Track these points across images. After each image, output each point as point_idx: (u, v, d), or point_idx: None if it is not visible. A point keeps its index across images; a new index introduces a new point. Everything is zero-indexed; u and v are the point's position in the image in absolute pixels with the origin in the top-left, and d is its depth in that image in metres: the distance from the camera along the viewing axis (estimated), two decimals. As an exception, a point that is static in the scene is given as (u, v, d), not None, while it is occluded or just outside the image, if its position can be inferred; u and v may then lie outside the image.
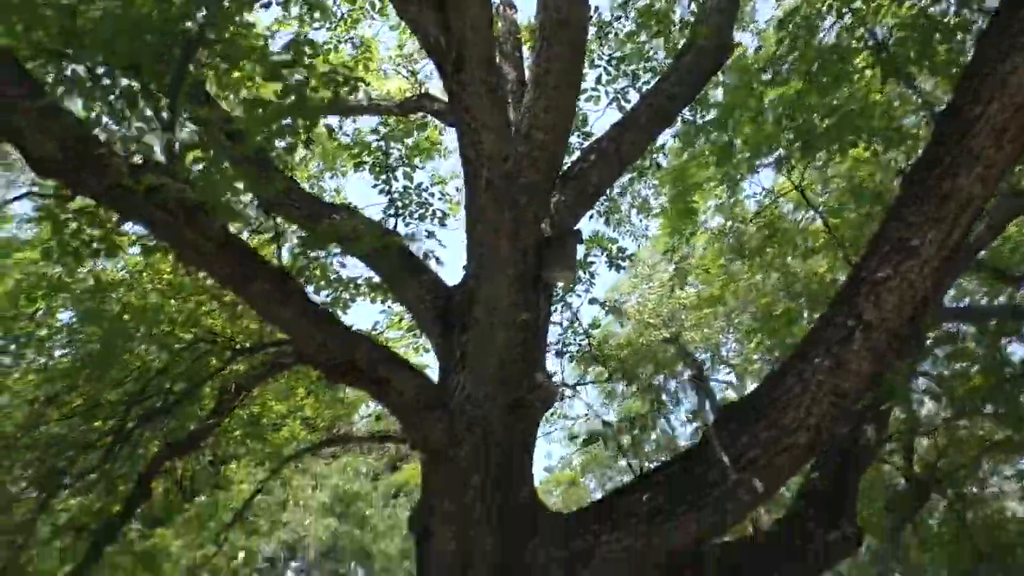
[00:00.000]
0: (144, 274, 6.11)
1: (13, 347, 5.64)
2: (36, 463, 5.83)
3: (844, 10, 6.67)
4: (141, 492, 7.88)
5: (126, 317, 5.73)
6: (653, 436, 17.52)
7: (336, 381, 5.28)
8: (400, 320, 8.32)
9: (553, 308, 7.05)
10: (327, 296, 6.33)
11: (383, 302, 7.70)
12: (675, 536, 5.09)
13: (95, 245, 4.05)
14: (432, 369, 5.80)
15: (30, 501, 6.10)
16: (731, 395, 16.82)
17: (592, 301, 8.29)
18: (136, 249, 6.45)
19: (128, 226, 5.04)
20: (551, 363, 7.42)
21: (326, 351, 4.69)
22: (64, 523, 7.53)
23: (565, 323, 8.07)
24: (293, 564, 25.91)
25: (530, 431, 5.75)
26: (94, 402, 5.90)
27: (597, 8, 9.23)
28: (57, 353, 6.10)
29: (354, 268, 6.39)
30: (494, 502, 5.27)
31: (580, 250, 7.36)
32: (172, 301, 6.44)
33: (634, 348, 10.73)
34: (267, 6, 5.87)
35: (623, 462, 19.23)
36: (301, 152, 6.88)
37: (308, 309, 4.49)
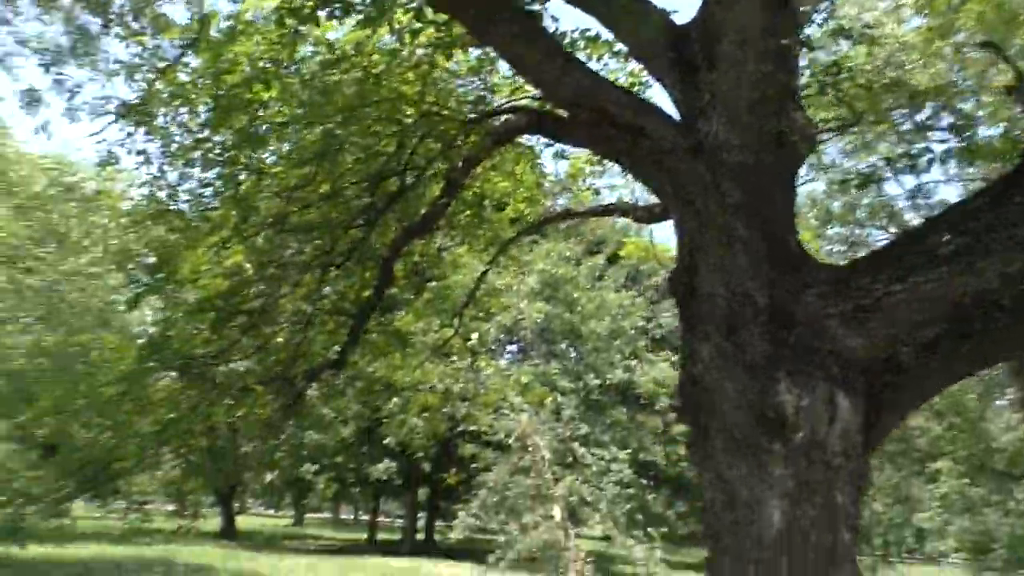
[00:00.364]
0: (360, 55, 5.90)
1: (257, 135, 5.75)
2: (302, 248, 6.13)
3: None
4: (386, 276, 8.27)
5: (352, 97, 5.60)
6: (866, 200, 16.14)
7: (581, 134, 4.92)
8: (615, 81, 7.70)
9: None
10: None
11: (599, 59, 7.10)
12: (983, 279, 4.47)
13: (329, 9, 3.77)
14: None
15: (305, 285, 6.48)
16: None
17: (836, 32, 7.18)
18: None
19: None
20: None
21: (575, 96, 4.29)
22: (327, 308, 8.08)
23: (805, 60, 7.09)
24: (509, 346, 27.82)
25: (792, 172, 5.20)
26: (339, 186, 6.00)
27: None
28: (289, 142, 6.19)
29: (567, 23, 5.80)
30: (762, 252, 4.88)
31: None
32: (384, 84, 6.22)
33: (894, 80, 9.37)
34: None
35: (832, 229, 18.02)
36: None
37: (555, 52, 4.05)
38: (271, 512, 75.50)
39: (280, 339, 7.15)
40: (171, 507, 29.86)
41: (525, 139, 7.69)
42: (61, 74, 9.54)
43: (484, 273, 10.60)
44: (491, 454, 16.88)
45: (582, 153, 8.86)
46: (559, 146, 8.47)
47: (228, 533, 32.96)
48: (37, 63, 9.30)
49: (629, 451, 20.56)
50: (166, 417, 8.29)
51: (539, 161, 7.98)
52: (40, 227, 14.96)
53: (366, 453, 28.46)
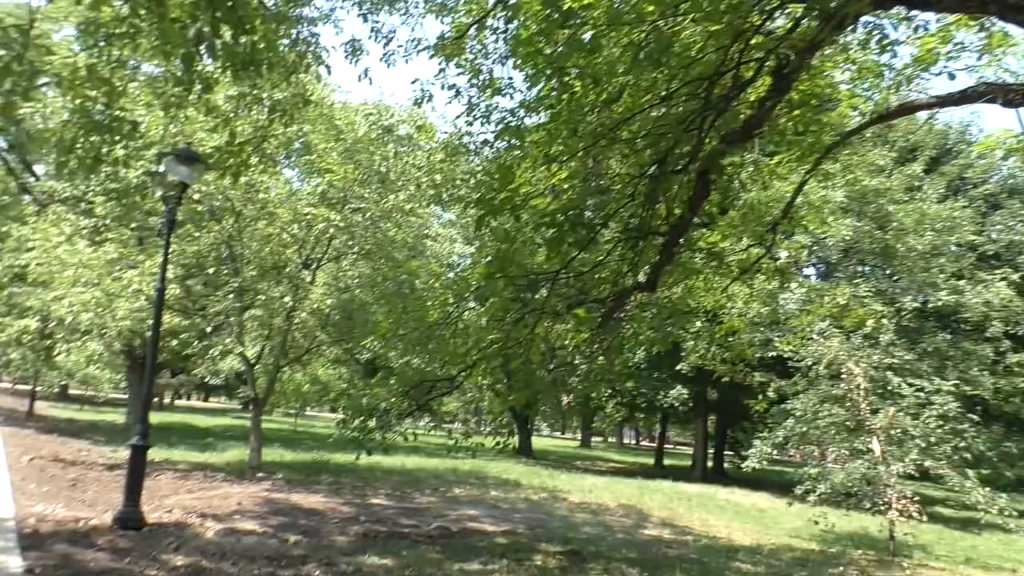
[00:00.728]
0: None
1: (584, 43, 5.49)
2: (631, 160, 5.88)
3: None
4: (702, 190, 7.77)
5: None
6: None
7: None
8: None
9: None
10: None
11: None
12: None
13: None
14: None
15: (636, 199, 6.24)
16: None
17: None
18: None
19: None
20: None
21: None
22: (631, 229, 7.80)
23: None
24: (805, 270, 25.95)
25: None
26: (667, 91, 5.59)
27: None
28: (614, 47, 5.87)
29: None
30: None
31: None
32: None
33: None
34: None
35: None
36: None
37: None
38: (557, 434, 79.80)
39: (603, 257, 7.00)
40: (469, 425, 32.52)
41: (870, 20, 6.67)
42: (377, 22, 10.13)
43: (803, 183, 9.68)
44: (798, 382, 15.85)
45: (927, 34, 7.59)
46: (900, 34, 7.31)
47: (525, 452, 35.20)
48: (357, 14, 9.91)
49: (953, 383, 18.35)
50: (489, 338, 8.66)
51: (887, 40, 6.81)
52: (364, 169, 16.47)
53: (658, 378, 28.51)
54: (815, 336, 14.85)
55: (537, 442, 44.19)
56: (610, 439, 72.29)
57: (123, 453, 18.45)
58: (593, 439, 63.21)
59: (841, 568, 11.92)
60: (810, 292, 14.38)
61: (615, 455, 48.53)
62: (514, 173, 5.85)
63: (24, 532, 8.28)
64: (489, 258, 6.80)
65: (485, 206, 5.57)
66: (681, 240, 8.46)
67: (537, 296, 6.34)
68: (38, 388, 33.83)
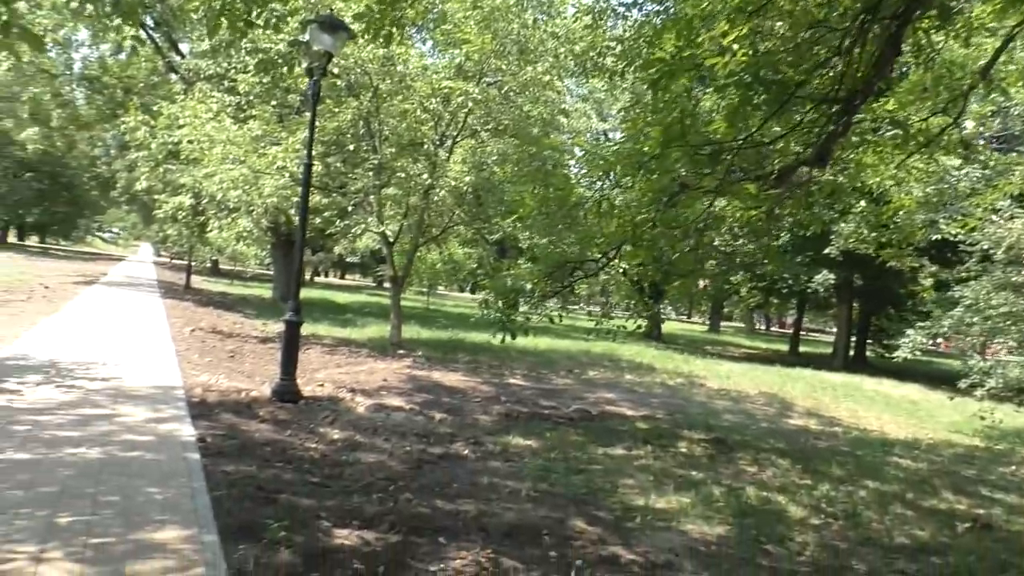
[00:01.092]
0: None
1: None
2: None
3: None
4: (893, 49, 6.75)
5: None
6: None
7: None
8: None
9: None
10: None
11: None
12: None
13: None
14: None
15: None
16: None
17: None
18: None
19: None
20: None
21: None
22: (814, 94, 6.91)
23: None
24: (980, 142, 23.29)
25: None
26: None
27: None
28: None
29: None
30: None
31: None
32: None
33: None
34: None
35: None
36: None
37: None
38: (683, 318, 78.91)
39: (790, 127, 6.20)
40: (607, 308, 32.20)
41: None
42: None
43: (1009, 39, 8.28)
44: (971, 268, 14.45)
45: None
46: None
47: (655, 335, 34.91)
48: None
49: None
50: (641, 217, 8.10)
51: None
52: (501, 39, 15.65)
53: (801, 262, 27.06)
54: (994, 218, 13.34)
55: (665, 326, 43.71)
56: (738, 324, 70.85)
57: (273, 327, 19.47)
58: (721, 324, 62.02)
59: (1013, 467, 11.05)
60: (992, 167, 12.70)
61: (746, 341, 47.45)
62: (694, 28, 5.11)
63: (192, 401, 8.70)
64: (649, 127, 6.11)
65: (661, 68, 4.90)
66: (861, 108, 7.49)
67: (717, 169, 5.69)
68: (192, 263, 36.19)
